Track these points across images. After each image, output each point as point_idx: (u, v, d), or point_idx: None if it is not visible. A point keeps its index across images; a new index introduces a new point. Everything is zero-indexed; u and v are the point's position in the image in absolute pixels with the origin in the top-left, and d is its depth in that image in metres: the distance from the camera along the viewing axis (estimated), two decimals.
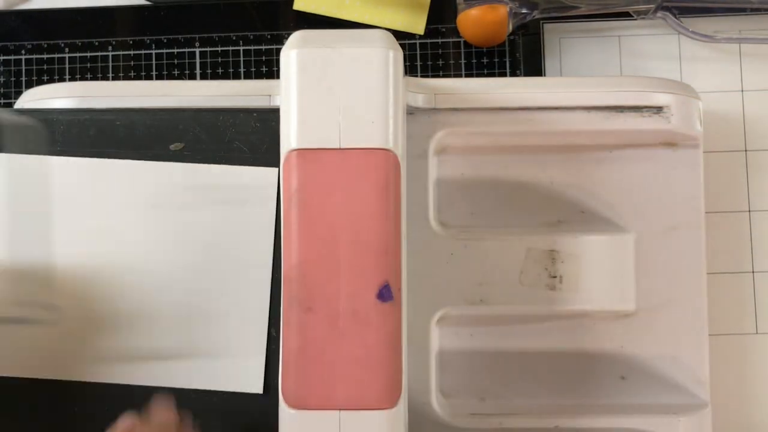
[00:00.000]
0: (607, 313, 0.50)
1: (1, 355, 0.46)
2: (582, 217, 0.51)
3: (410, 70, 0.59)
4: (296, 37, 0.42)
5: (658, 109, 0.49)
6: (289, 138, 0.42)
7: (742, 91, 0.58)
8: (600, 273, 0.50)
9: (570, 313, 0.50)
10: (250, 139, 0.46)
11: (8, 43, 0.59)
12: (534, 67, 0.58)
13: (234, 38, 0.59)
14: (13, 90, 0.59)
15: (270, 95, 0.47)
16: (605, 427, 0.49)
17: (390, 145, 0.41)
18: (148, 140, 0.46)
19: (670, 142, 0.50)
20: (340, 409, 0.41)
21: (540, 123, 0.48)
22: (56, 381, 0.46)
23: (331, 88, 0.41)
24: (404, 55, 0.58)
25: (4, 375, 0.46)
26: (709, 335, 0.50)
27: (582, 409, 0.50)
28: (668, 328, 0.50)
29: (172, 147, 0.46)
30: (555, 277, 0.49)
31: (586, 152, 0.50)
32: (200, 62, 0.59)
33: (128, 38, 0.59)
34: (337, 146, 0.41)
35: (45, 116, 0.46)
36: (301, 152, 0.41)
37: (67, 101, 0.48)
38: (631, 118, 0.49)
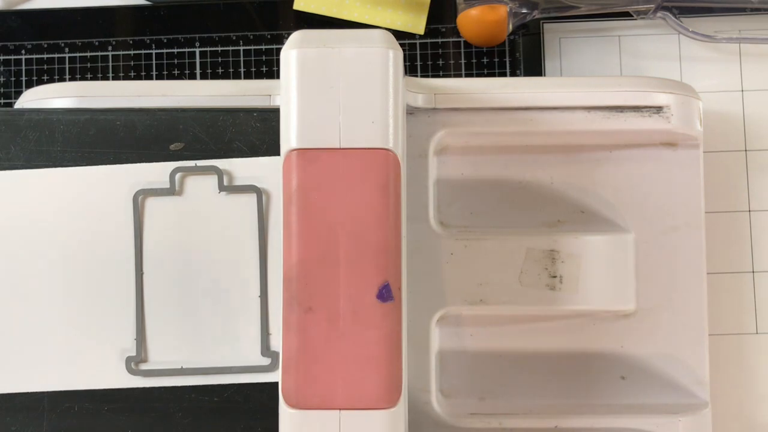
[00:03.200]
0: (607, 313, 0.50)
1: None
2: (582, 217, 0.51)
3: (410, 70, 0.59)
4: (296, 37, 0.42)
5: (658, 109, 0.49)
6: (289, 138, 0.42)
7: (742, 91, 0.58)
8: (600, 273, 0.50)
9: (570, 313, 0.50)
10: (250, 139, 0.46)
11: (8, 43, 0.59)
12: (534, 67, 0.58)
13: (234, 38, 0.59)
14: (13, 90, 0.59)
15: (270, 95, 0.47)
16: (605, 427, 0.49)
17: (390, 145, 0.41)
18: (148, 140, 0.46)
19: (670, 142, 0.50)
20: (340, 409, 0.41)
21: (540, 123, 0.48)
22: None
23: (332, 88, 0.41)
24: (404, 55, 0.58)
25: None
26: (709, 335, 0.50)
27: (582, 409, 0.50)
28: (668, 328, 0.50)
29: (172, 147, 0.46)
30: (555, 277, 0.49)
31: (586, 152, 0.50)
32: (200, 62, 0.59)
33: (128, 38, 0.59)
34: (337, 146, 0.41)
35: (45, 116, 0.46)
36: (301, 152, 0.41)
37: (67, 101, 0.48)
38: (631, 118, 0.49)
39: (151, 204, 0.46)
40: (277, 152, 0.43)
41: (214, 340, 0.46)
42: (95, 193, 0.46)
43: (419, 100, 0.47)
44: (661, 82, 0.50)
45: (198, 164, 0.46)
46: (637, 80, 0.50)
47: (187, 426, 0.46)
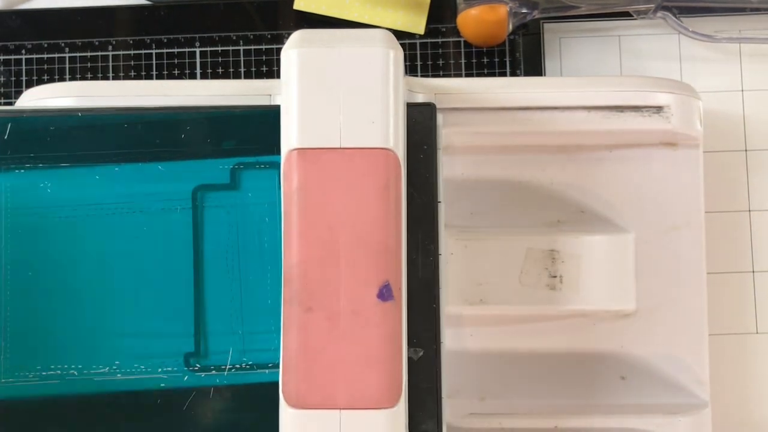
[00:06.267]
0: (607, 313, 0.50)
1: None
2: (582, 217, 0.51)
3: (410, 70, 0.59)
4: (297, 37, 0.42)
5: (658, 109, 0.49)
6: (290, 137, 0.42)
7: (742, 90, 0.58)
8: (600, 273, 0.50)
9: (570, 313, 0.50)
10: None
11: (8, 43, 0.59)
12: (534, 67, 0.58)
13: (234, 38, 0.59)
14: (13, 90, 0.59)
15: (270, 95, 0.47)
16: (605, 427, 0.49)
17: (390, 145, 0.41)
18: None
19: (670, 142, 0.50)
20: (340, 409, 0.41)
21: (540, 123, 0.48)
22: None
23: (332, 88, 0.41)
24: (404, 55, 0.58)
25: None
26: (709, 335, 0.50)
27: (582, 409, 0.50)
28: (668, 327, 0.50)
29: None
30: (555, 276, 0.49)
31: (586, 152, 0.50)
32: (200, 62, 0.59)
33: (128, 38, 0.59)
34: (338, 146, 0.41)
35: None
36: (302, 152, 0.41)
37: (66, 101, 0.48)
38: (631, 118, 0.49)
39: (211, 200, 0.46)
40: (277, 152, 0.43)
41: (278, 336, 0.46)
42: (154, 189, 0.46)
43: (419, 100, 0.47)
44: (661, 82, 0.50)
45: (260, 160, 0.46)
46: (637, 80, 0.50)
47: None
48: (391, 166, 0.42)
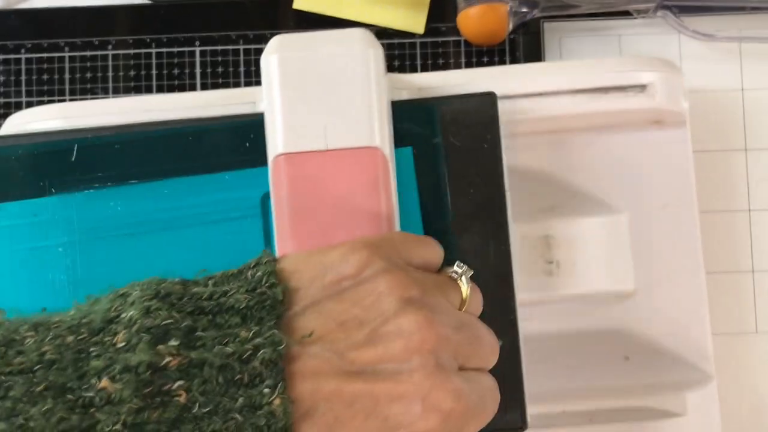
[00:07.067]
0: (606, 295, 0.50)
1: None
2: (574, 200, 0.50)
3: (410, 69, 0.59)
4: (275, 42, 0.42)
5: (642, 88, 0.48)
6: (276, 143, 0.42)
7: (743, 90, 0.57)
8: (596, 255, 0.49)
9: (569, 297, 0.50)
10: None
11: (8, 43, 0.60)
12: None
13: (234, 38, 0.60)
14: (12, 89, 0.60)
15: (254, 102, 0.47)
16: (613, 408, 0.49)
17: (377, 143, 0.41)
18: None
19: (657, 120, 0.50)
20: None
21: (526, 110, 0.48)
22: None
23: (314, 90, 0.41)
24: (404, 54, 0.58)
25: None
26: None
27: (588, 391, 0.50)
28: (668, 304, 0.50)
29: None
30: (552, 262, 0.49)
31: (575, 135, 0.50)
32: (200, 61, 0.59)
33: (128, 37, 0.60)
34: (324, 148, 0.41)
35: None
36: (289, 156, 0.41)
37: (54, 123, 0.47)
38: (617, 98, 0.48)
39: None
40: (265, 159, 0.43)
41: None
42: (222, 198, 0.46)
43: (404, 96, 0.47)
44: (643, 61, 0.49)
45: None
46: (619, 61, 0.50)
47: None
48: (379, 163, 0.42)
